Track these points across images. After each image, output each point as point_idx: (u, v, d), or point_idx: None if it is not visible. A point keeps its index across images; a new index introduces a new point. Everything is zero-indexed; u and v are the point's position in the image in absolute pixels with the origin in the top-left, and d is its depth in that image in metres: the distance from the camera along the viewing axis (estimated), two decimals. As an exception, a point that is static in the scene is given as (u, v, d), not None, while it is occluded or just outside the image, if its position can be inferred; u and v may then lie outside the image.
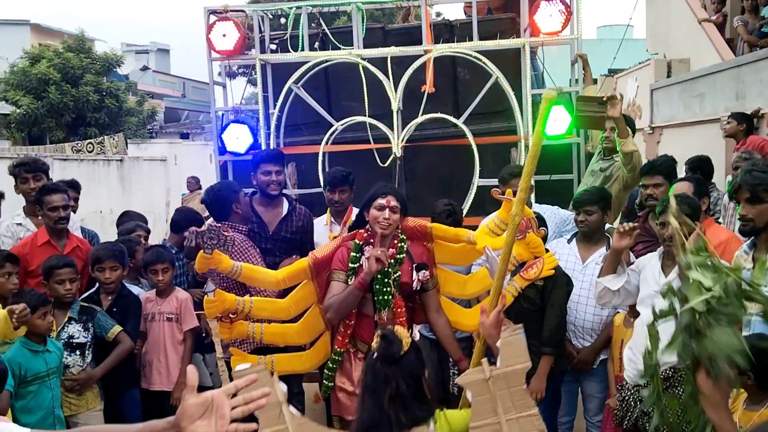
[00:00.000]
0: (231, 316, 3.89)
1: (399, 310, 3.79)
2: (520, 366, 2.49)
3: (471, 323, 4.08)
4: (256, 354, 4.15)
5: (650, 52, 15.10)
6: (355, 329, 3.84)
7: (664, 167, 5.30)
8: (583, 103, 5.17)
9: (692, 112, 11.19)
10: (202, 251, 3.77)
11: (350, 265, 3.80)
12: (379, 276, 3.71)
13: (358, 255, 3.81)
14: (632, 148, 4.96)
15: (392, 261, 3.76)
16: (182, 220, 5.57)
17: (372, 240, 3.82)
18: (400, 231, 3.89)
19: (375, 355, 2.60)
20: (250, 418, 3.21)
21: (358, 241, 3.86)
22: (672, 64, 13.03)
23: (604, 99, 5.00)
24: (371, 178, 4.99)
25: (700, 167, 6.54)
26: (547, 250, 4.00)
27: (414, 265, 3.84)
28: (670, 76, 12.78)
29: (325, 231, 5.13)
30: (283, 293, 4.16)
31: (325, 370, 3.92)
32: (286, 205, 4.95)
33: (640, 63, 14.51)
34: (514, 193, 4.26)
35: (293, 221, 4.92)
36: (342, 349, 3.85)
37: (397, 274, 3.80)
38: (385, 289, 3.75)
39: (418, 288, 3.86)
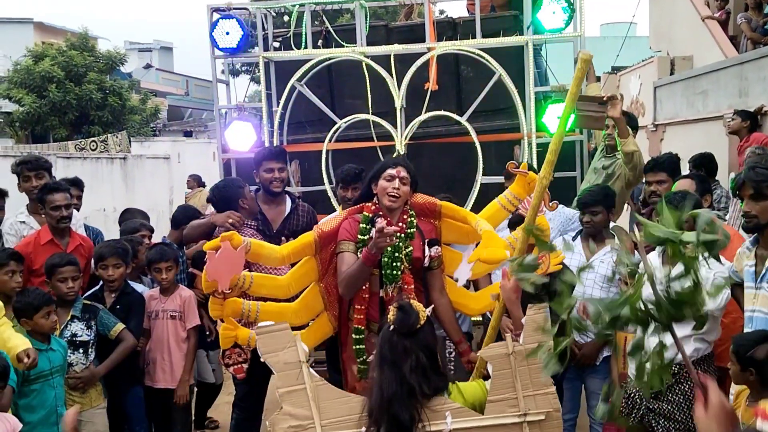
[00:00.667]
0: (225, 291, 3.71)
1: (407, 286, 3.72)
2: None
3: (476, 306, 4.08)
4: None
5: (653, 50, 15.07)
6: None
7: (668, 164, 5.31)
8: (584, 103, 5.17)
9: (695, 109, 11.16)
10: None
11: (359, 237, 3.72)
12: (389, 249, 3.62)
13: (368, 227, 3.72)
14: (633, 148, 4.97)
15: (402, 235, 3.70)
16: (182, 216, 5.59)
17: (381, 212, 3.76)
18: (409, 206, 3.82)
19: (391, 327, 2.59)
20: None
21: (366, 213, 3.78)
22: (675, 61, 13.00)
23: (605, 99, 5.00)
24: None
25: (704, 164, 6.55)
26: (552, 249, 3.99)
27: (426, 241, 3.78)
28: (673, 73, 12.75)
29: None
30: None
31: (355, 354, 3.80)
32: (288, 202, 4.96)
33: (643, 60, 14.48)
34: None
35: (297, 218, 4.93)
36: (362, 327, 3.75)
37: (409, 249, 3.73)
38: (394, 264, 3.68)
39: (428, 264, 3.80)
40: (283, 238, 4.79)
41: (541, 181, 3.00)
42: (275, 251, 3.87)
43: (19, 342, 3.76)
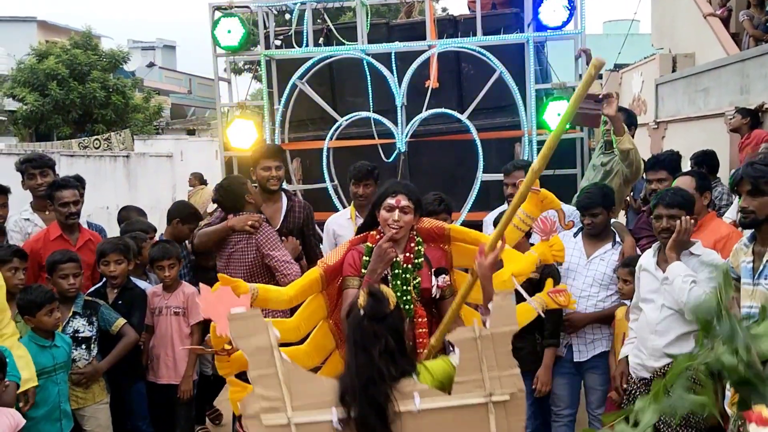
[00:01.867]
0: (227, 347, 3.39)
1: (420, 320, 3.47)
2: (507, 329, 2.59)
3: None
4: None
5: (655, 47, 15.09)
6: None
7: (668, 162, 5.32)
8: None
9: (697, 106, 11.18)
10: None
11: (362, 270, 3.48)
12: (397, 283, 3.45)
13: (369, 260, 3.48)
14: (628, 146, 4.97)
15: (409, 266, 3.49)
16: (176, 212, 5.61)
17: None
18: (415, 233, 3.59)
19: (362, 312, 2.66)
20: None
21: (369, 244, 3.54)
22: (677, 58, 13.02)
23: (600, 97, 5.02)
24: (375, 173, 5.05)
25: (706, 162, 6.56)
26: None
27: (433, 270, 3.53)
28: (675, 70, 12.77)
29: (349, 225, 4.99)
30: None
31: None
32: (284, 199, 4.99)
33: (645, 58, 14.49)
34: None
35: (295, 216, 4.97)
36: None
37: (417, 280, 3.50)
38: (405, 297, 3.44)
39: (437, 295, 3.55)
40: (283, 238, 4.83)
41: (533, 171, 3.00)
42: (282, 294, 3.60)
43: (24, 375, 3.75)
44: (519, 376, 2.60)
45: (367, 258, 3.49)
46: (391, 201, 3.45)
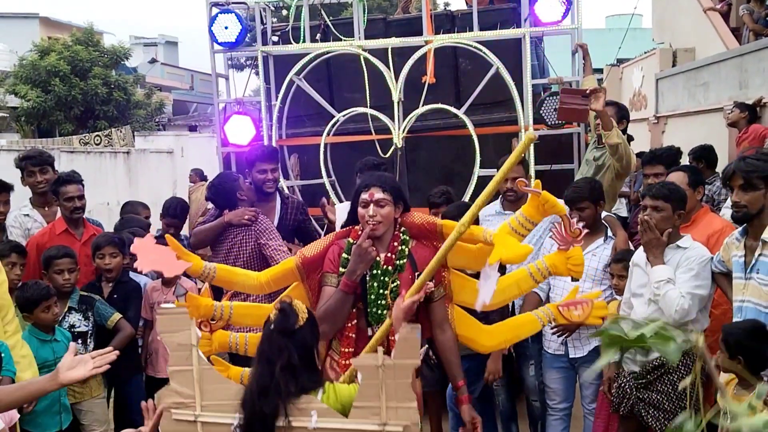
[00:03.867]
0: (211, 322, 3.39)
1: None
2: (410, 362, 2.60)
3: (489, 342, 3.59)
4: (240, 366, 3.48)
5: (656, 41, 15.07)
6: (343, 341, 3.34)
7: (666, 157, 5.35)
8: (567, 95, 5.22)
9: (696, 101, 11.18)
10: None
11: (341, 269, 3.28)
12: (374, 285, 3.25)
13: (349, 257, 3.28)
14: (616, 140, 4.96)
15: (389, 268, 3.27)
16: (170, 206, 5.81)
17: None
18: (401, 229, 3.35)
19: (272, 326, 2.68)
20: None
21: (351, 240, 3.33)
22: (677, 53, 13.02)
23: (588, 92, 5.02)
24: (372, 168, 5.06)
25: (704, 156, 6.58)
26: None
27: (416, 273, 3.25)
28: (676, 65, 12.76)
29: None
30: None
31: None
32: (278, 199, 5.02)
33: (645, 52, 14.48)
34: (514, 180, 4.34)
35: (290, 215, 5.00)
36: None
37: (395, 284, 3.27)
38: (380, 302, 3.25)
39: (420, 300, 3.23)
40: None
41: (459, 228, 2.97)
42: (250, 277, 3.48)
43: (27, 375, 3.76)
44: (415, 410, 2.61)
45: (346, 256, 3.28)
46: (364, 196, 3.26)
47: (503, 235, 3.11)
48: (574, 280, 3.66)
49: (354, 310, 3.30)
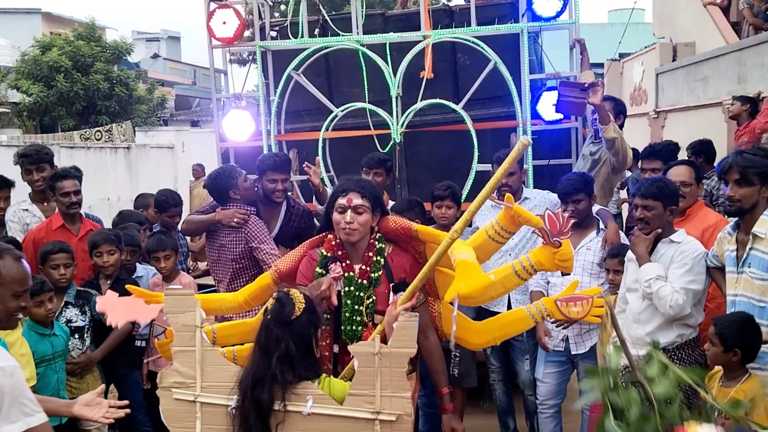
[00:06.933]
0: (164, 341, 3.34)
1: None
2: (405, 350, 2.65)
3: (478, 341, 3.50)
4: None
5: (657, 36, 15.06)
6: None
7: (664, 152, 5.35)
8: (565, 88, 5.23)
9: (696, 96, 11.19)
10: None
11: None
12: (347, 302, 3.13)
13: (322, 272, 3.17)
14: (613, 135, 4.96)
15: (364, 282, 3.14)
16: (165, 201, 5.86)
17: (340, 252, 3.19)
18: (377, 236, 3.21)
19: (269, 316, 2.71)
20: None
21: (324, 251, 3.22)
22: (677, 47, 13.01)
23: (586, 85, 5.03)
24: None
25: (703, 151, 6.57)
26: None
27: (392, 285, 3.14)
28: (676, 59, 12.75)
29: None
30: None
31: None
32: (284, 206, 4.98)
33: (646, 47, 14.47)
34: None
35: (292, 223, 4.98)
36: None
37: (371, 300, 3.13)
38: (354, 318, 3.13)
39: None
40: (280, 246, 4.86)
41: (451, 233, 2.90)
42: (227, 301, 3.46)
43: (25, 374, 3.79)
44: (409, 400, 2.65)
45: (319, 269, 3.19)
46: (342, 201, 3.10)
47: (465, 263, 2.90)
48: (564, 274, 3.59)
49: (327, 328, 3.17)
